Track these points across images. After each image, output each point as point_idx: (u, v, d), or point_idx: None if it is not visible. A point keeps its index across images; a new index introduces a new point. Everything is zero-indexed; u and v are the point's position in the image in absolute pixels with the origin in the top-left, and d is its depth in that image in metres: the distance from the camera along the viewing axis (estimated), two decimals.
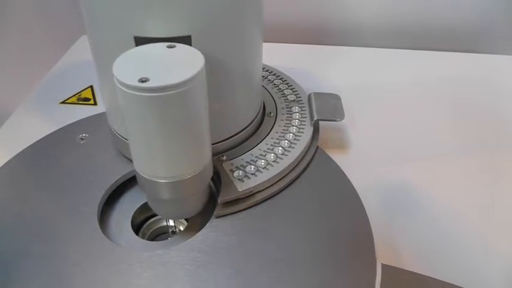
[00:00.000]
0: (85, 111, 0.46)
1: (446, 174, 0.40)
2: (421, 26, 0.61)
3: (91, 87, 0.51)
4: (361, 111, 0.48)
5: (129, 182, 0.38)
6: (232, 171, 0.35)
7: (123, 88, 0.26)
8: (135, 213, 0.36)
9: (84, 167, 0.38)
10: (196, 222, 0.35)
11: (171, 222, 0.38)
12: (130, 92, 0.26)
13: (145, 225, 0.37)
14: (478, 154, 0.43)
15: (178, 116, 0.27)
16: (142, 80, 0.25)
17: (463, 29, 0.61)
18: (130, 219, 0.36)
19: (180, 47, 0.28)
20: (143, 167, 0.30)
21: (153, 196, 0.31)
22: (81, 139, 0.40)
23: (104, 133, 0.40)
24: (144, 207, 0.37)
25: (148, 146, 0.28)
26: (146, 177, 0.30)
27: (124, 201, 0.37)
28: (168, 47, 0.28)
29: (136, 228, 0.37)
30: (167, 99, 0.26)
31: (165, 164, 0.29)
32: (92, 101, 0.49)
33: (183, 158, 0.29)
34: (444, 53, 0.58)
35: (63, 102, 0.49)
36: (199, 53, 0.28)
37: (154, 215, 0.38)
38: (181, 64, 0.27)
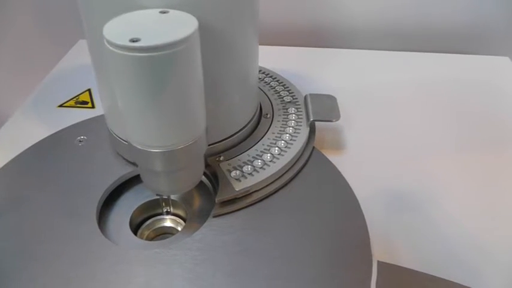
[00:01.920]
0: (83, 115, 0.46)
1: (443, 175, 0.41)
2: (417, 27, 0.62)
3: (89, 90, 0.52)
4: (358, 112, 0.49)
5: (128, 184, 0.38)
6: (230, 171, 0.36)
7: (112, 49, 0.25)
8: (133, 214, 0.37)
9: (82, 168, 0.38)
10: (194, 222, 0.36)
11: (164, 206, 0.39)
12: (120, 52, 0.25)
13: (143, 226, 0.38)
14: (477, 155, 0.43)
15: (171, 79, 0.26)
16: (133, 40, 0.25)
17: (460, 31, 0.62)
18: (128, 220, 0.36)
19: (173, 12, 0.28)
20: (135, 136, 0.30)
21: (145, 168, 0.31)
22: (80, 141, 0.41)
23: (103, 135, 0.41)
24: (143, 208, 0.38)
25: (140, 112, 0.28)
26: (139, 147, 0.30)
27: (122, 202, 0.38)
28: (161, 12, 0.28)
29: (135, 229, 0.37)
30: (159, 60, 0.25)
31: (157, 131, 0.29)
32: (89, 104, 0.50)
33: (176, 126, 0.29)
34: (441, 54, 0.59)
35: (61, 106, 0.50)
36: (193, 17, 0.28)
37: (153, 216, 0.39)
38: (174, 26, 0.27)
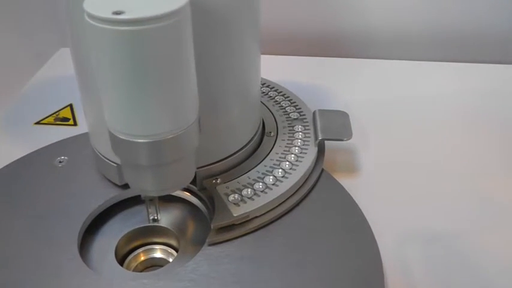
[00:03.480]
0: (63, 133, 0.49)
1: (471, 204, 0.43)
2: (443, 34, 0.65)
3: (70, 105, 0.55)
4: (374, 130, 0.51)
5: (114, 209, 0.41)
6: (227, 195, 0.38)
7: (93, 23, 0.26)
8: (119, 242, 0.39)
9: (63, 191, 0.41)
10: (188, 252, 0.38)
11: (151, 211, 0.41)
12: (102, 26, 0.26)
13: (130, 257, 0.40)
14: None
15: (157, 57, 0.27)
16: (116, 13, 0.26)
17: (492, 38, 0.65)
18: (114, 249, 0.39)
19: None
20: (117, 123, 0.31)
21: (129, 162, 0.33)
22: (60, 162, 0.44)
23: (86, 155, 0.44)
24: (130, 236, 0.40)
25: (123, 95, 0.29)
26: (121, 136, 0.31)
27: (107, 229, 0.40)
28: None
29: (121, 259, 0.40)
30: (145, 36, 0.26)
31: (142, 117, 0.30)
32: (71, 121, 0.53)
33: (162, 112, 0.30)
34: (471, 64, 0.62)
35: (38, 123, 0.53)
36: None
37: (142, 245, 0.41)
38: (162, 0, 0.28)
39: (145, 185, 0.34)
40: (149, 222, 0.41)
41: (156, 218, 0.41)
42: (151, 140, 0.31)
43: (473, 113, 0.54)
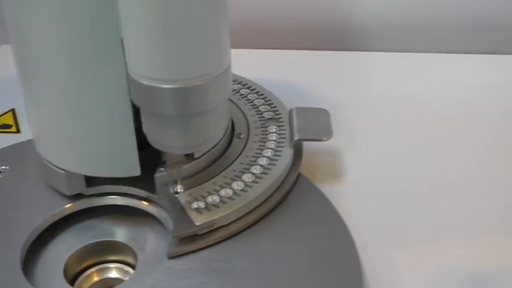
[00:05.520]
0: (5, 141, 0.53)
1: (470, 217, 0.47)
2: (435, 24, 0.70)
3: (12, 110, 0.59)
4: (362, 130, 0.55)
5: (63, 223, 0.45)
6: (190, 203, 0.42)
7: None
8: (68, 260, 0.43)
9: (4, 204, 0.45)
10: (146, 268, 0.42)
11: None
12: None
13: (82, 277, 0.44)
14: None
15: None
16: None
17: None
18: (62, 268, 0.42)
19: None
20: (141, 67, 0.34)
21: (152, 112, 0.36)
22: (0, 172, 0.48)
23: (31, 165, 0.47)
24: (81, 253, 0.44)
25: (151, 30, 0.32)
26: (145, 82, 0.35)
27: (56, 245, 0.44)
28: None
29: (72, 280, 0.43)
30: None
31: (169, 58, 0.33)
32: (13, 128, 0.56)
33: (193, 51, 0.33)
34: (466, 55, 0.67)
35: None
36: None
37: (95, 264, 0.45)
38: None
39: (169, 140, 0.38)
40: (171, 195, 0.43)
41: (177, 190, 0.44)
42: (177, 86, 0.34)
43: (470, 110, 0.59)
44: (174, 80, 0.35)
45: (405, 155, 0.53)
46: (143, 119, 0.39)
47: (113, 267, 0.45)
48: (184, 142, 0.39)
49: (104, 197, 0.45)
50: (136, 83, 0.35)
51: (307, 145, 0.49)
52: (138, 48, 0.34)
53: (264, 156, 0.47)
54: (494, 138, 0.55)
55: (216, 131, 0.40)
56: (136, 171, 0.42)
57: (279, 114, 0.51)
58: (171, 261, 0.40)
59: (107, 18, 0.35)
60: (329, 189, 0.47)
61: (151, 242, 0.45)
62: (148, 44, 0.34)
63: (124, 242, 0.45)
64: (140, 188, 0.44)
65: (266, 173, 0.45)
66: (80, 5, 0.36)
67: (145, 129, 0.39)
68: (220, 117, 0.39)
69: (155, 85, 0.35)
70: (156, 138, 0.39)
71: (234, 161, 0.46)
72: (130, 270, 0.44)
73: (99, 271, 0.45)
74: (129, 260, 0.45)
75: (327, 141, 0.47)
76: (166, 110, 0.36)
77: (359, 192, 0.49)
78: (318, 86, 0.62)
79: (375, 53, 0.68)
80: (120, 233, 0.45)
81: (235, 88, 0.55)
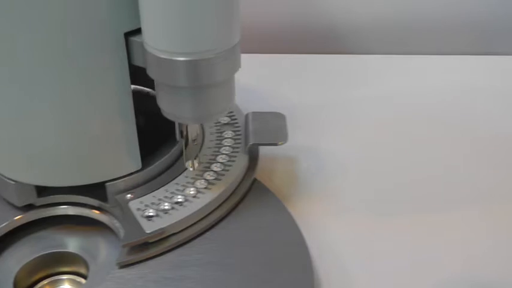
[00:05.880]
0: None
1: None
2: (408, 26, 0.71)
3: None
4: (325, 135, 0.57)
5: (12, 235, 0.46)
6: (141, 210, 0.43)
7: None
8: (18, 273, 0.44)
9: None
10: (97, 275, 0.43)
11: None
12: None
13: None
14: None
15: None
16: None
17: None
18: (12, 281, 0.43)
19: None
20: (155, 40, 0.37)
21: (166, 84, 0.39)
22: None
23: None
24: (32, 266, 0.45)
25: (167, 7, 0.36)
26: (160, 55, 0.37)
27: (5, 258, 0.45)
28: None
29: None
30: None
31: (183, 32, 0.36)
32: None
33: (207, 26, 0.37)
34: (444, 57, 0.68)
35: None
36: None
37: (47, 277, 0.46)
38: None
39: (182, 111, 0.41)
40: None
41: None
42: (191, 59, 0.37)
43: (443, 112, 0.60)
44: (188, 53, 0.37)
45: (364, 158, 0.55)
46: (157, 91, 0.41)
47: (65, 278, 0.46)
48: (196, 113, 0.41)
49: (55, 207, 0.46)
50: (153, 56, 0.38)
51: (265, 150, 0.50)
52: (156, 24, 0.37)
53: (218, 162, 0.48)
54: (454, 138, 0.57)
55: (225, 104, 0.42)
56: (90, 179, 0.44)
57: (235, 119, 0.53)
58: (122, 270, 0.41)
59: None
60: (285, 193, 0.48)
61: (103, 252, 0.46)
62: (165, 20, 0.37)
63: (76, 252, 0.46)
64: (92, 197, 0.45)
65: (219, 179, 0.46)
66: None
67: (160, 101, 0.42)
68: (229, 91, 0.42)
69: (170, 58, 0.38)
70: (169, 110, 0.42)
71: (187, 167, 0.47)
72: (83, 281, 0.45)
73: (51, 283, 0.46)
74: (82, 270, 0.46)
75: (285, 145, 0.49)
76: (181, 81, 0.39)
77: (316, 195, 0.50)
78: (279, 90, 0.63)
79: (334, 55, 0.69)
80: (72, 244, 0.46)
81: None
